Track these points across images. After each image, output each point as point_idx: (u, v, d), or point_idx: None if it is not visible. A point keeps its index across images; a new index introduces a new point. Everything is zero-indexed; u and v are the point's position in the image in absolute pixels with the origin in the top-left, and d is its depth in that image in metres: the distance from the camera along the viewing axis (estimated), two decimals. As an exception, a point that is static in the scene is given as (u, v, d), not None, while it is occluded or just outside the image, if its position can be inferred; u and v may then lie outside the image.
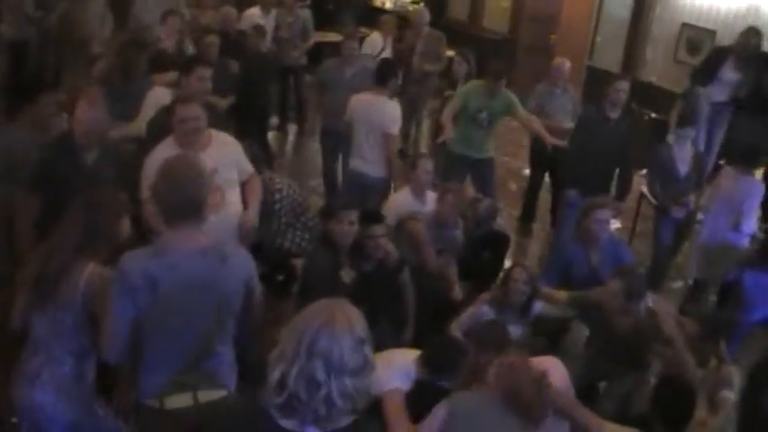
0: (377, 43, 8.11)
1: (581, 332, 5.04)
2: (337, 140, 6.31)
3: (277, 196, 4.90)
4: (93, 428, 2.93)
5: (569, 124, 6.36)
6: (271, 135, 8.23)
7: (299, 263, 4.89)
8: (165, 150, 3.69)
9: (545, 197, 7.10)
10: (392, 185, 5.71)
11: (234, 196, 3.96)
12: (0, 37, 6.47)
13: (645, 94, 8.68)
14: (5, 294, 3.13)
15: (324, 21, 10.32)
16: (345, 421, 1.93)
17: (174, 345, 2.65)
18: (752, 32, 7.25)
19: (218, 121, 4.53)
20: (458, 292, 4.86)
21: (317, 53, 8.75)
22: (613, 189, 5.90)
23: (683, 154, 5.80)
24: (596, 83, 7.96)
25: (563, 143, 6.04)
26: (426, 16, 8.19)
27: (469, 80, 6.61)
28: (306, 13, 8.62)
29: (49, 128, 4.19)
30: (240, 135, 4.34)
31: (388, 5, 11.57)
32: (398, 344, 4.03)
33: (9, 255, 3.81)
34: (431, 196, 5.18)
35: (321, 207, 4.93)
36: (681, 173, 5.74)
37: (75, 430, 2.89)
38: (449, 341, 3.69)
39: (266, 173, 4.94)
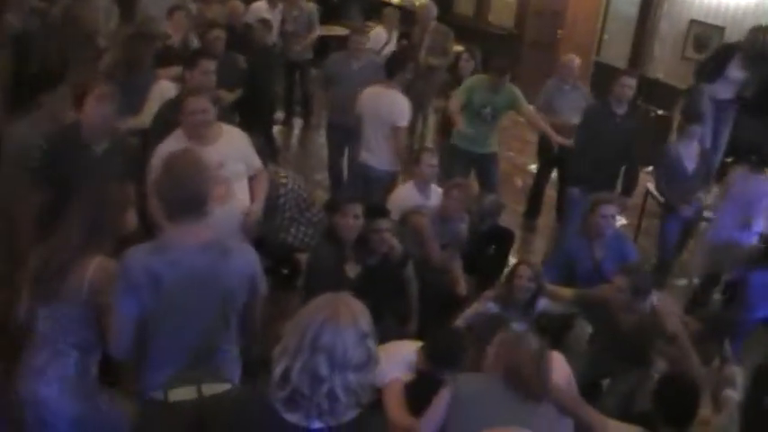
0: (381, 37, 8.09)
1: (584, 329, 5.04)
2: (343, 134, 6.32)
3: (281, 191, 4.90)
4: (97, 422, 2.93)
5: (577, 121, 6.34)
6: (276, 129, 8.23)
7: (303, 257, 4.89)
8: (173, 143, 3.71)
9: (550, 193, 7.09)
10: (399, 179, 5.72)
11: (241, 190, 3.97)
12: (6, 27, 6.46)
13: (652, 90, 8.64)
14: (6, 292, 3.14)
15: (330, 15, 10.32)
16: (350, 415, 1.93)
17: (178, 340, 2.65)
18: (761, 30, 7.17)
19: (226, 114, 4.54)
20: (463, 287, 4.86)
21: (324, 47, 8.74)
22: (619, 186, 5.88)
23: (689, 151, 5.78)
24: (603, 78, 7.92)
25: (568, 142, 6.02)
26: (433, 11, 8.18)
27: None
28: (311, 7, 8.62)
29: (63, 121, 4.19)
30: (245, 129, 4.35)
31: (395, 0, 11.54)
32: (402, 338, 4.03)
33: (9, 253, 3.82)
34: (435, 190, 5.18)
35: (326, 201, 4.94)
36: (688, 170, 5.73)
37: (79, 424, 2.89)
38: (451, 333, 3.68)
39: (271, 167, 4.94)
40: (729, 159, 7.59)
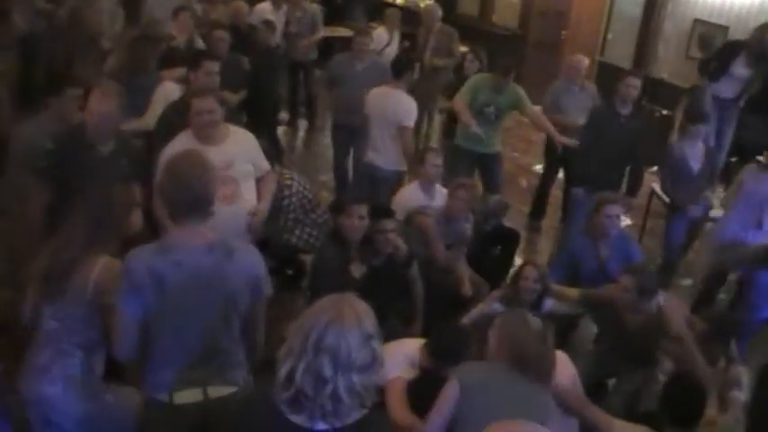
0: (382, 38, 8.09)
1: (588, 329, 5.04)
2: (348, 135, 6.33)
3: (286, 192, 4.91)
4: (103, 418, 2.93)
5: (584, 122, 6.32)
6: (281, 130, 8.25)
7: (308, 258, 4.90)
8: (181, 143, 3.73)
9: (555, 194, 7.08)
10: (406, 179, 5.73)
11: (248, 190, 3.98)
12: (13, 28, 6.49)
13: (656, 90, 8.64)
14: (8, 292, 3.14)
15: (334, 16, 10.33)
16: (354, 416, 1.93)
17: (182, 341, 2.64)
18: (766, 29, 7.16)
19: (233, 115, 4.56)
20: (468, 287, 4.85)
21: (328, 48, 8.75)
22: (624, 186, 5.88)
23: (694, 151, 5.77)
24: (607, 79, 7.92)
25: (571, 142, 6.01)
26: (438, 12, 8.18)
27: (479, 77, 6.60)
28: (314, 8, 8.63)
29: (71, 122, 4.21)
30: (250, 130, 4.35)
31: (400, 1, 11.55)
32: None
33: (12, 253, 3.83)
34: (439, 191, 5.19)
35: (331, 202, 4.94)
36: (693, 170, 5.71)
37: (84, 423, 2.89)
38: (455, 329, 3.66)
39: (276, 168, 4.95)
40: (734, 159, 7.59)
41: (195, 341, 2.65)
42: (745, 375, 3.74)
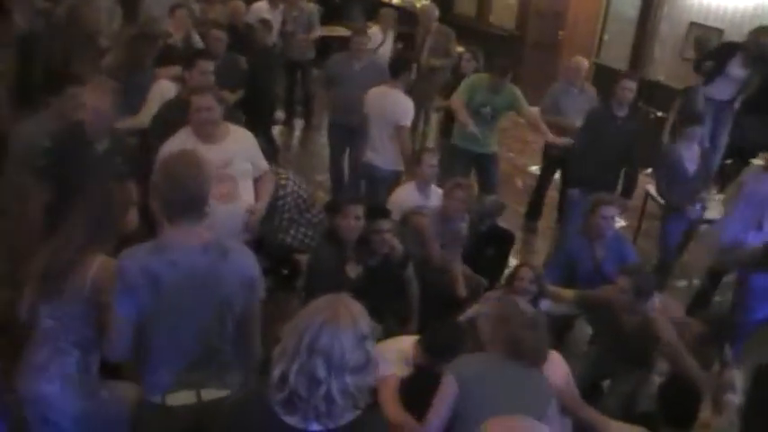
0: (376, 38, 8.08)
1: (583, 331, 5.05)
2: (345, 135, 6.34)
3: (281, 192, 4.90)
4: (99, 416, 2.93)
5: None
6: (277, 129, 8.24)
7: (303, 258, 4.89)
8: (181, 141, 3.73)
9: (551, 195, 7.09)
10: (403, 179, 5.74)
11: (246, 189, 3.99)
12: (12, 27, 6.49)
13: (652, 92, 8.66)
14: (6, 291, 3.14)
15: (332, 15, 10.32)
16: (348, 417, 1.94)
17: (177, 341, 2.63)
18: (763, 31, 7.16)
19: (232, 114, 4.56)
20: (462, 288, 4.86)
21: (325, 48, 8.74)
22: (619, 187, 5.89)
23: (690, 153, 5.78)
24: (603, 80, 7.94)
25: (565, 140, 6.02)
26: (435, 12, 8.19)
27: (476, 76, 6.61)
28: (311, 7, 8.63)
29: (71, 120, 4.20)
30: (247, 129, 4.35)
31: (396, 0, 11.55)
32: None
33: (11, 252, 3.82)
34: (435, 191, 5.19)
35: (327, 202, 4.94)
36: (689, 172, 5.72)
37: (82, 422, 2.89)
38: (449, 326, 3.66)
39: (272, 167, 4.94)
40: (728, 161, 7.60)
41: (190, 342, 2.65)
42: (739, 378, 3.74)
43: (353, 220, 4.11)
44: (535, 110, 6.51)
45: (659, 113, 8.30)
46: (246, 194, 3.98)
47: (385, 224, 4.26)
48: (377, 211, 4.33)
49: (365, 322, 1.93)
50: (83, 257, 2.84)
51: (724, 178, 7.12)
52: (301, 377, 1.86)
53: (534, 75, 9.70)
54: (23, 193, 3.85)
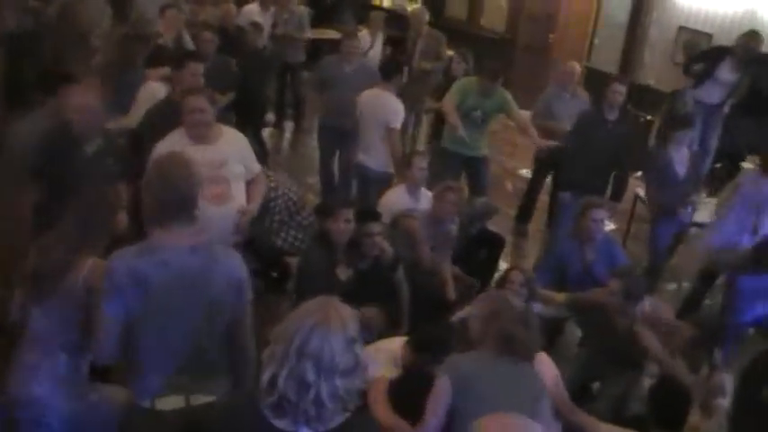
0: (365, 40, 8.08)
1: (574, 334, 5.05)
2: (335, 137, 6.33)
3: (272, 194, 4.89)
4: (89, 419, 2.92)
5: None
6: (267, 132, 8.22)
7: (293, 261, 4.88)
8: (174, 142, 3.72)
9: (541, 198, 7.10)
10: (394, 181, 5.74)
11: (238, 191, 3.98)
12: (2, 25, 6.45)
13: (642, 96, 8.70)
14: (1, 291, 3.12)
15: (323, 18, 10.32)
16: (337, 420, 1.93)
17: (166, 342, 2.62)
18: (752, 36, 7.20)
19: (224, 116, 4.55)
20: (451, 290, 4.86)
21: (316, 51, 8.74)
22: (609, 191, 5.91)
23: (680, 156, 5.80)
24: (594, 84, 7.96)
25: (549, 143, 6.04)
26: (425, 16, 8.20)
27: (466, 79, 6.61)
28: (302, 10, 8.63)
29: (64, 119, 4.17)
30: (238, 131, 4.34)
31: (387, 4, 11.56)
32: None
33: (5, 253, 3.79)
34: (425, 194, 5.19)
35: (317, 205, 4.93)
36: (679, 175, 5.73)
37: (72, 421, 2.88)
38: (439, 325, 3.66)
39: (263, 170, 4.93)
40: (718, 165, 7.64)
41: (180, 342, 2.63)
42: (728, 382, 3.75)
43: (344, 223, 4.10)
44: (525, 113, 6.52)
45: (649, 117, 8.34)
46: (239, 196, 3.97)
47: (375, 227, 4.25)
48: (367, 213, 4.33)
49: (354, 326, 1.93)
50: (74, 258, 2.83)
51: (714, 181, 7.15)
52: (291, 381, 1.85)
53: (525, 78, 9.73)
54: (17, 192, 3.82)
